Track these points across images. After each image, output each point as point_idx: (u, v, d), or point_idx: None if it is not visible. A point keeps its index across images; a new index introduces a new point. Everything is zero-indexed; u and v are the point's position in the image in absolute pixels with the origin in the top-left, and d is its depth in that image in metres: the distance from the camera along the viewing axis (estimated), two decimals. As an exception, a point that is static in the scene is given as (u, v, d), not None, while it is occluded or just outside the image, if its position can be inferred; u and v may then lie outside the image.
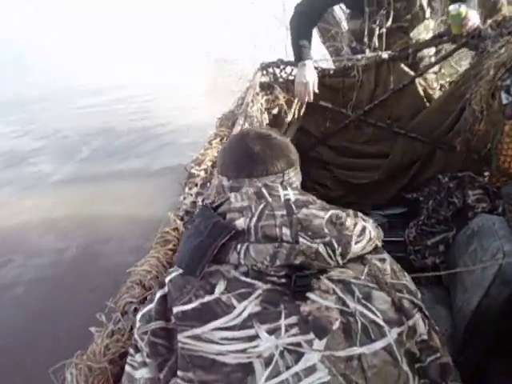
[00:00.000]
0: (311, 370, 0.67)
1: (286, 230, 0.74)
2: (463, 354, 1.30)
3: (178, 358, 0.70)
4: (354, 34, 2.52)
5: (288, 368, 0.67)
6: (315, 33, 3.82)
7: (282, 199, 0.79)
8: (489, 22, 1.93)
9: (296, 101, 2.28)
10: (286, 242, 0.73)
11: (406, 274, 0.84)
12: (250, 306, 0.71)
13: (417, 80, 2.26)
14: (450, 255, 1.74)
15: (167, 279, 0.79)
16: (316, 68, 2.27)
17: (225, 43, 7.49)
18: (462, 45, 2.08)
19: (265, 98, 2.23)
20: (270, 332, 0.69)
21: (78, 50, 10.46)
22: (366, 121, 2.39)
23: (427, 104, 2.27)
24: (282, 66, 2.35)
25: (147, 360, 0.74)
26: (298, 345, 0.68)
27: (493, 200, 1.82)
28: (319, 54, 3.52)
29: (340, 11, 4.03)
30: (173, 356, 0.72)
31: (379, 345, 0.70)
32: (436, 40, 2.20)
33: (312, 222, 0.75)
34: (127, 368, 0.79)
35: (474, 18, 1.96)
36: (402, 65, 2.26)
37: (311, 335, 0.69)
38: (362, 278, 0.75)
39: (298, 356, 0.67)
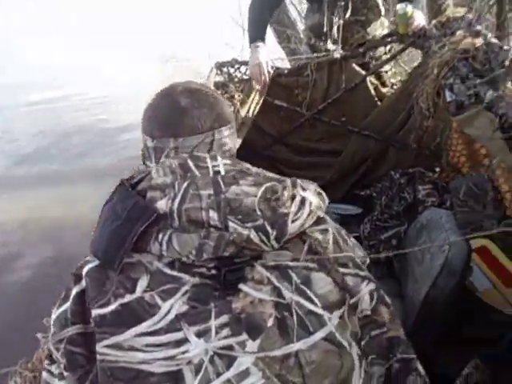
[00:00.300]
0: (244, 374, 0.62)
1: (213, 214, 0.65)
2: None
3: (98, 371, 0.63)
4: (312, 29, 2.55)
5: (219, 375, 0.62)
6: (271, 32, 3.84)
7: (211, 172, 0.70)
8: (433, 22, 2.00)
9: (250, 100, 2.28)
10: (214, 227, 0.65)
11: (351, 241, 0.80)
12: (177, 304, 0.64)
13: (368, 79, 2.31)
14: (402, 248, 1.78)
15: (84, 271, 0.68)
16: (272, 67, 2.29)
17: (224, 44, 7.40)
18: (409, 44, 2.14)
19: (219, 97, 2.23)
20: (200, 335, 0.63)
21: (78, 50, 10.18)
22: (320, 119, 2.41)
23: (378, 103, 2.32)
24: (236, 66, 2.35)
25: (65, 373, 0.66)
26: (230, 348, 0.63)
27: (441, 194, 1.87)
28: (275, 53, 3.54)
29: (295, 12, 4.08)
30: (94, 367, 0.65)
31: (319, 335, 0.66)
32: (385, 39, 2.25)
33: (243, 203, 0.66)
34: (45, 375, 0.71)
35: (419, 19, 2.02)
36: (354, 64, 2.30)
37: (244, 336, 0.63)
38: (301, 258, 0.69)
39: (230, 360, 0.62)
